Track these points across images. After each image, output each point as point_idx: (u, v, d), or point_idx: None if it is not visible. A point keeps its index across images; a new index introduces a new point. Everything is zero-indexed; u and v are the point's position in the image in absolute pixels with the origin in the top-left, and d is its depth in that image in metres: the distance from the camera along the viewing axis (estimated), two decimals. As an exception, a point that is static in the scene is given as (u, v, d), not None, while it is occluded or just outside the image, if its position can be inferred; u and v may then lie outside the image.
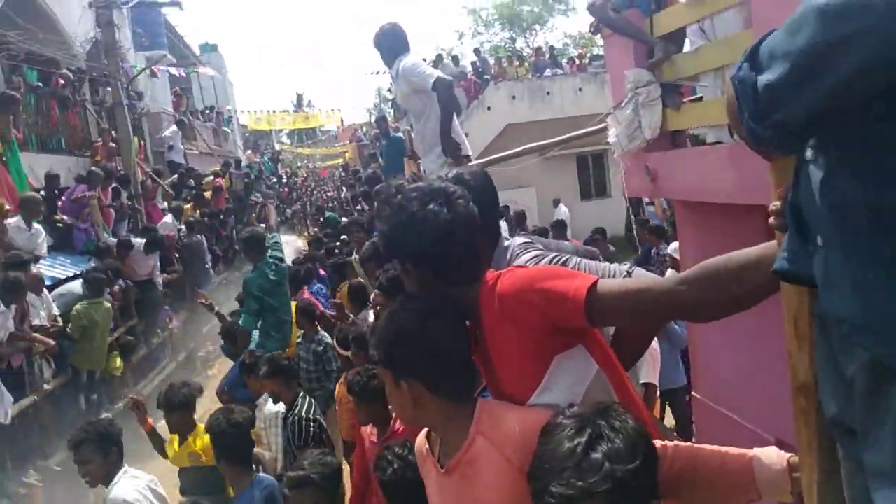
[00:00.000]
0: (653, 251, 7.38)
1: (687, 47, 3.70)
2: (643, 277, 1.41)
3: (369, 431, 3.23)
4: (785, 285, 1.10)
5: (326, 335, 5.60)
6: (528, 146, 4.93)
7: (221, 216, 12.46)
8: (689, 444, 1.30)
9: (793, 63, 0.86)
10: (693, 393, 4.10)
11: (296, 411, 3.95)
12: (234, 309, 6.85)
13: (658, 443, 1.26)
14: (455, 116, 4.51)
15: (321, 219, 13.34)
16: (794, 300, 1.07)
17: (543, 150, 4.98)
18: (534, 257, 1.86)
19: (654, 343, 4.37)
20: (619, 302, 1.28)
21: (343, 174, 23.89)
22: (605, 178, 16.93)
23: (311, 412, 3.99)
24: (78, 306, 6.61)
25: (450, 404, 1.40)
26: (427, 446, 1.53)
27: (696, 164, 3.44)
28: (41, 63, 10.49)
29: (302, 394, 4.14)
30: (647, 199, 12.18)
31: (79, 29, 12.08)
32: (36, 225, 6.89)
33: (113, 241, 8.53)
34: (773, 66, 0.89)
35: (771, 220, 1.10)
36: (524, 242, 1.94)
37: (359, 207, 10.97)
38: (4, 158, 7.58)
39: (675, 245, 5.86)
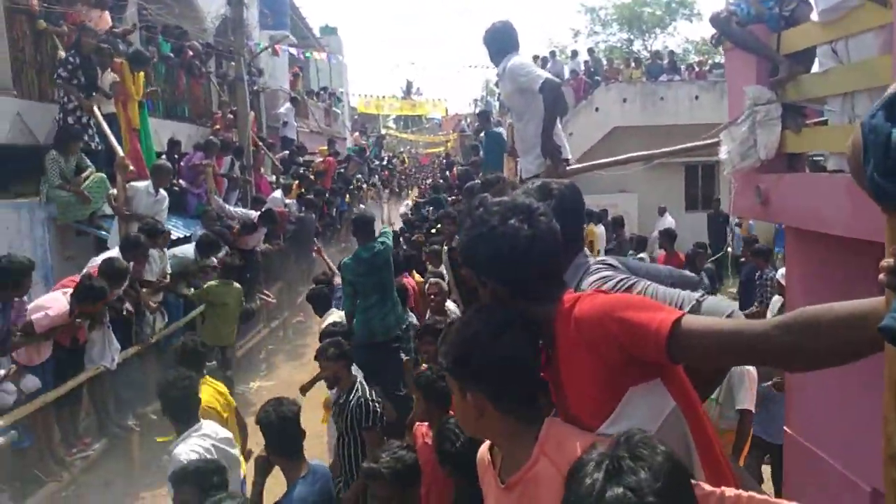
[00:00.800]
0: (757, 274, 7.02)
1: (815, 68, 3.49)
2: (734, 320, 1.33)
3: (424, 431, 3.19)
4: (889, 347, 1.03)
5: (412, 316, 5.78)
6: (632, 155, 4.79)
7: (328, 195, 12.84)
8: (764, 497, 1.22)
9: None
10: (786, 427, 3.89)
11: (359, 394, 4.03)
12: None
13: (729, 490, 1.20)
14: (558, 119, 4.45)
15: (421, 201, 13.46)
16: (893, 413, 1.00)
17: (648, 159, 4.82)
18: (600, 278, 1.81)
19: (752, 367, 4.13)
20: (705, 342, 1.23)
21: (444, 162, 24.11)
22: (714, 191, 16.23)
23: (373, 394, 4.09)
24: (212, 283, 6.96)
25: (515, 420, 1.38)
26: (489, 458, 1.51)
27: (813, 190, 3.25)
28: (174, 35, 11.18)
29: (360, 379, 4.21)
30: (735, 220, 11.63)
31: (212, 6, 12.79)
32: (162, 191, 7.37)
33: (223, 206, 8.99)
34: None
35: (881, 276, 1.03)
36: (599, 261, 1.88)
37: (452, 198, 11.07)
38: (138, 122, 8.16)
39: (782, 271, 5.56)
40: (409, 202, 17.71)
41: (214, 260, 7.31)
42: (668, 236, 8.86)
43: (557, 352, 1.41)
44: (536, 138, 4.35)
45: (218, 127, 11.06)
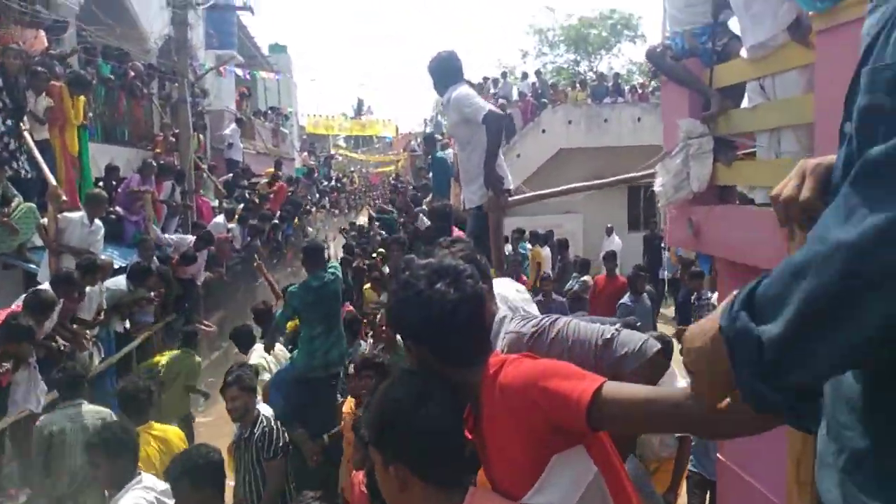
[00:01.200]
0: (694, 296, 7.17)
1: (745, 104, 3.60)
2: (652, 388, 1.34)
3: (361, 479, 3.10)
4: (790, 429, 1.03)
5: (363, 345, 5.72)
6: (571, 186, 4.86)
7: (276, 220, 12.60)
8: None
9: (806, 310, 0.74)
10: (718, 455, 3.96)
11: (263, 424, 3.96)
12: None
13: None
14: (500, 152, 4.48)
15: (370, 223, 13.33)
16: (798, 444, 1.00)
17: (588, 189, 4.89)
18: (522, 318, 1.87)
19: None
20: (624, 410, 1.24)
21: (394, 182, 24.10)
22: (656, 213, 16.64)
23: (276, 423, 4.03)
24: (175, 353, 6.69)
25: (439, 492, 1.35)
26: None
27: (741, 223, 3.33)
28: (115, 57, 10.89)
29: (264, 412, 4.14)
30: (664, 244, 11.94)
31: (154, 25, 12.54)
32: (97, 221, 7.05)
33: (161, 237, 8.74)
34: (781, 313, 0.76)
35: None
36: (516, 315, 1.92)
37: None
38: (76, 149, 7.85)
39: (717, 295, 5.69)
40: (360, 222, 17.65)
41: (150, 293, 7.07)
42: (611, 258, 9.00)
43: (483, 417, 1.40)
44: (479, 168, 4.36)
45: (159, 150, 10.79)
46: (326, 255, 6.13)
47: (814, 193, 0.96)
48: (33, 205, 6.79)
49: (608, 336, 1.79)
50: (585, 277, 9.08)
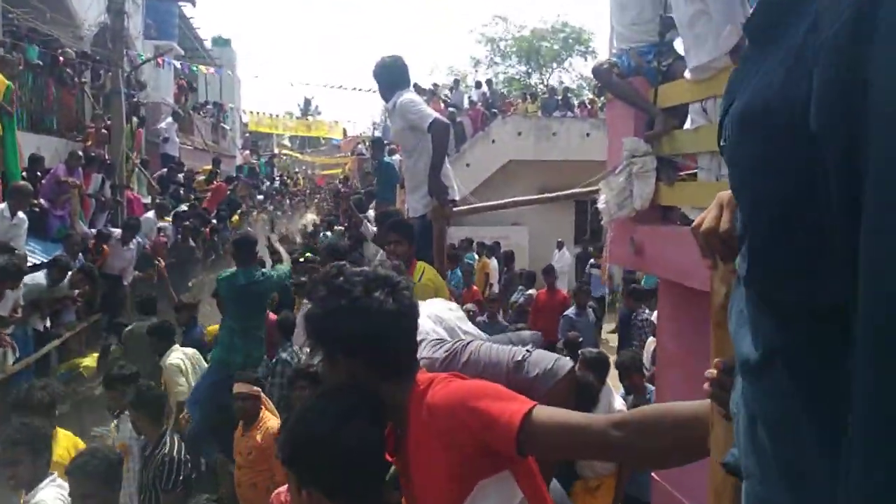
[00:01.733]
0: (633, 315, 7.23)
1: (688, 125, 3.60)
2: (582, 414, 1.30)
3: (283, 499, 2.95)
4: (713, 456, 1.03)
5: (296, 350, 5.48)
6: (517, 199, 4.83)
7: (214, 221, 12.17)
8: None
9: None
10: (653, 473, 3.94)
11: (165, 449, 3.76)
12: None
13: None
14: (447, 161, 4.39)
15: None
16: (719, 476, 0.99)
17: (531, 203, 4.85)
18: (436, 342, 1.86)
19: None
20: (552, 437, 1.21)
21: (340, 185, 23.78)
22: (601, 227, 16.91)
23: (182, 452, 3.83)
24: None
25: None
26: None
27: (681, 244, 3.31)
28: (44, 42, 10.35)
29: (169, 431, 3.95)
30: (591, 261, 12.08)
31: (89, 12, 12.00)
32: (21, 215, 6.68)
33: (86, 231, 8.31)
34: None
35: (706, 386, 1.01)
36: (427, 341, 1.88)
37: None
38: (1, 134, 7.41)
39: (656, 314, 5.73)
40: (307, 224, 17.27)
41: (74, 292, 6.68)
42: (549, 273, 9.04)
43: (408, 437, 1.33)
44: (425, 176, 4.27)
45: (90, 142, 10.28)
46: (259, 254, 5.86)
47: (731, 225, 0.97)
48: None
49: (519, 358, 1.78)
50: (531, 291, 9.09)
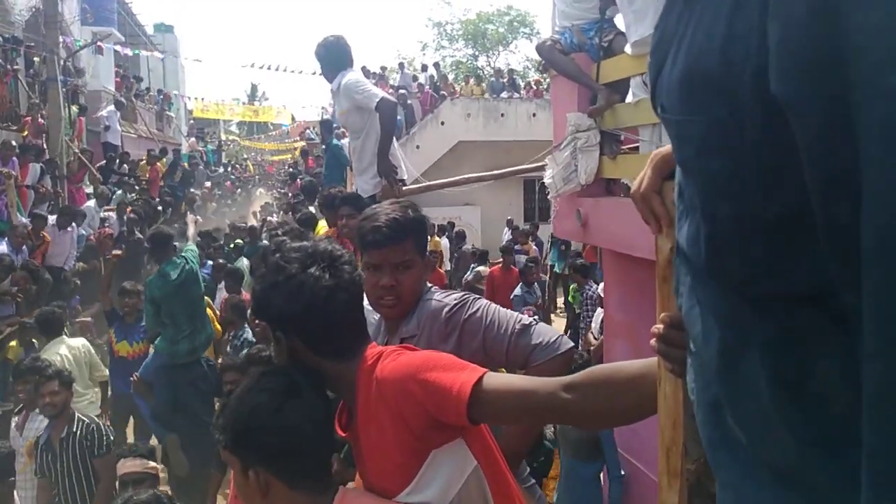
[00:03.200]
0: (582, 292, 7.39)
1: (630, 98, 3.70)
2: (528, 378, 1.32)
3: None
4: (661, 413, 1.03)
5: (249, 332, 5.38)
6: (466, 176, 4.86)
7: (159, 208, 11.82)
8: None
9: None
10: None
11: (85, 421, 3.77)
12: None
13: None
14: (395, 140, 4.39)
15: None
16: (668, 433, 1.00)
17: (480, 180, 4.91)
18: (442, 293, 1.88)
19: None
20: (503, 402, 1.20)
21: (291, 170, 23.45)
22: (549, 205, 17.12)
23: (95, 421, 3.88)
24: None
25: (305, 495, 1.26)
26: None
27: (624, 215, 3.42)
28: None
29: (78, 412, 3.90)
30: (517, 246, 12.18)
31: (19, -4, 11.49)
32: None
33: (25, 221, 8.02)
34: None
35: (653, 342, 1.01)
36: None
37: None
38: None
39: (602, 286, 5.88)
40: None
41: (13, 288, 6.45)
42: (508, 252, 9.12)
43: (357, 412, 1.31)
44: (373, 157, 4.25)
45: (27, 133, 9.90)
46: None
47: (650, 183, 0.97)
48: None
49: (526, 322, 1.79)
50: (480, 268, 9.17)
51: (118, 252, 6.85)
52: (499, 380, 1.23)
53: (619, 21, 3.68)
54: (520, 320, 1.79)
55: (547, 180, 3.89)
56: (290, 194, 13.33)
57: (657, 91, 0.80)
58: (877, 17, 0.52)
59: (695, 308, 0.81)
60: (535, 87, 19.82)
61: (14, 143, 8.64)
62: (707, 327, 0.79)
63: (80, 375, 4.98)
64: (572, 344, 1.82)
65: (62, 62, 10.94)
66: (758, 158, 0.65)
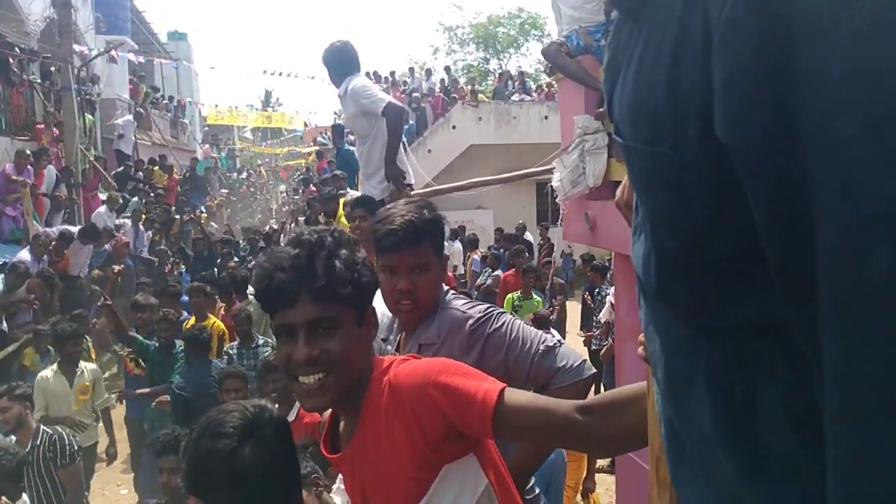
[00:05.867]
0: (596, 290, 7.35)
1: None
2: (546, 398, 1.26)
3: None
4: (650, 422, 1.01)
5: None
6: (475, 180, 4.86)
7: (176, 217, 11.85)
8: None
9: None
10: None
11: (48, 433, 3.76)
12: None
13: None
14: (406, 145, 4.39)
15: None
16: (658, 443, 0.98)
17: (490, 183, 4.90)
18: (465, 303, 1.84)
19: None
20: (525, 417, 1.15)
21: (303, 176, 23.57)
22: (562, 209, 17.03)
23: (66, 431, 3.90)
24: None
25: None
26: None
27: (633, 219, 3.39)
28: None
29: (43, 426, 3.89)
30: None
31: (34, 6, 11.65)
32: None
33: (47, 230, 8.10)
34: None
35: (640, 350, 0.98)
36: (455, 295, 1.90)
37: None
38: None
39: (614, 289, 5.85)
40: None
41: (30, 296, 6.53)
42: (517, 254, 9.07)
43: (361, 427, 1.25)
44: (380, 162, 4.25)
45: (42, 141, 10.02)
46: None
47: (626, 192, 0.97)
48: None
49: (550, 344, 1.74)
50: (497, 272, 9.12)
51: (119, 268, 6.89)
52: (520, 395, 1.18)
53: (626, 23, 3.66)
54: (544, 341, 1.75)
55: (555, 184, 3.88)
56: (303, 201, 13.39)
57: (611, 111, 0.77)
58: (831, 63, 0.48)
59: (649, 326, 0.80)
60: (546, 90, 19.76)
61: (28, 151, 8.72)
62: (657, 348, 0.77)
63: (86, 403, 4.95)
64: (595, 370, 1.79)
65: (76, 71, 11.07)
66: (703, 196, 0.61)
